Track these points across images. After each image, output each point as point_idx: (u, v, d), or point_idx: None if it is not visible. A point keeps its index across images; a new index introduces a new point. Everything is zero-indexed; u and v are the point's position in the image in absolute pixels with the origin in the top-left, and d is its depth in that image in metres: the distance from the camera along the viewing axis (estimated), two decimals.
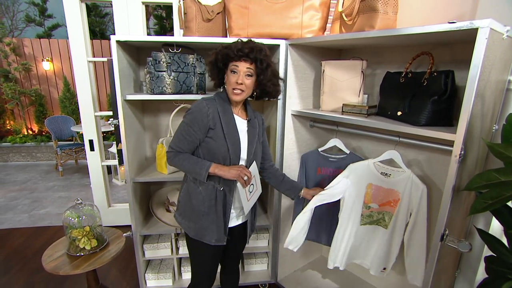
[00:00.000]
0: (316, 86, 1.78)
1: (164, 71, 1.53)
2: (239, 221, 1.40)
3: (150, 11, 6.71)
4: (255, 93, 1.30)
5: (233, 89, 1.20)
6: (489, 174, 0.90)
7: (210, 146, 1.22)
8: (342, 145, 1.69)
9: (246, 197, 1.29)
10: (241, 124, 1.30)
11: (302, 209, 1.83)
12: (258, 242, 2.00)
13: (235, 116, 1.28)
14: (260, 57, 1.19)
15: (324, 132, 1.92)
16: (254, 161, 1.31)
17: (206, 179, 1.21)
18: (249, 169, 1.26)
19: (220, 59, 1.22)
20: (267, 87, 1.26)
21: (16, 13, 7.24)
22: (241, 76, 1.19)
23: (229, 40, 1.50)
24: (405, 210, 1.42)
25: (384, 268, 1.56)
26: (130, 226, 1.71)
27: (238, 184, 1.24)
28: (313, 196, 1.49)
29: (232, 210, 1.34)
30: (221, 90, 1.32)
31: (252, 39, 1.23)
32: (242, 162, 1.29)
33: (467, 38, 1.05)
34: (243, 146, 1.27)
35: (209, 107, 1.20)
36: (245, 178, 1.21)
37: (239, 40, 1.22)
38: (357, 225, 1.59)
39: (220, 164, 1.23)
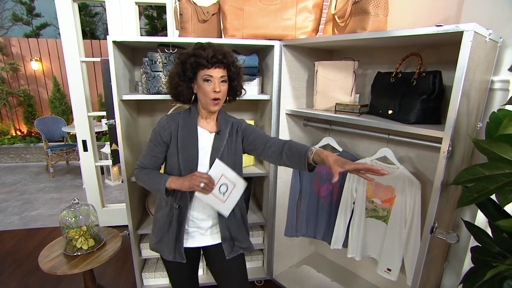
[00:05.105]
0: (309, 86, 1.82)
1: (160, 71, 1.55)
2: (215, 241, 1.26)
3: (141, 10, 6.67)
4: (227, 99, 1.23)
5: (213, 99, 1.12)
6: (475, 169, 0.95)
7: (168, 162, 1.22)
8: (335, 143, 1.74)
9: (218, 200, 1.15)
10: (206, 138, 1.21)
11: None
12: (253, 240, 2.03)
13: (200, 129, 1.21)
14: (232, 60, 1.15)
15: (318, 131, 1.96)
16: (216, 159, 1.13)
17: (166, 195, 1.15)
18: (210, 172, 1.11)
19: (189, 68, 1.12)
20: (238, 90, 1.23)
21: (2, 11, 7.07)
22: (217, 84, 1.11)
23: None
24: (402, 207, 1.47)
25: (389, 269, 1.55)
26: (124, 226, 1.73)
27: (198, 194, 1.12)
28: (332, 158, 0.98)
29: (195, 228, 1.24)
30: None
31: (211, 42, 1.17)
32: None
33: (453, 40, 1.11)
34: (202, 161, 1.18)
35: (168, 121, 1.19)
36: (202, 185, 1.07)
37: (202, 45, 1.13)
38: (364, 218, 1.65)
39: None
